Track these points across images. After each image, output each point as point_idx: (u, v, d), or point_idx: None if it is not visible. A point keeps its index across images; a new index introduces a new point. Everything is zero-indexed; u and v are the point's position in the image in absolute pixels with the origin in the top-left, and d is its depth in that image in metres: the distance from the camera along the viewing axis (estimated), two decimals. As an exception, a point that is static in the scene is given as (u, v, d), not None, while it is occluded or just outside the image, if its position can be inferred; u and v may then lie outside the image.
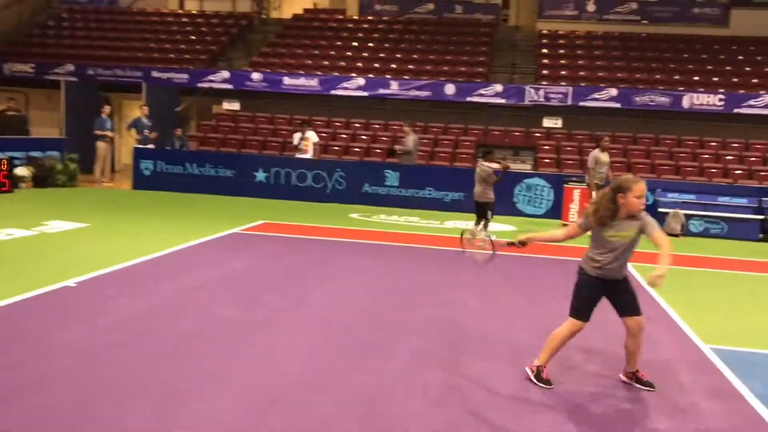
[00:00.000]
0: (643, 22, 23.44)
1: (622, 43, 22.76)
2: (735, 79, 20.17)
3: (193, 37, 23.50)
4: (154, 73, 20.64)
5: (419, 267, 9.09)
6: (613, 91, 19.25)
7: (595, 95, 19.32)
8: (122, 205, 13.89)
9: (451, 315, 6.73)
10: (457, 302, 7.25)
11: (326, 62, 21.86)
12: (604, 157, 13.68)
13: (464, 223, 13.85)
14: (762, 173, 16.93)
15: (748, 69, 20.84)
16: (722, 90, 19.31)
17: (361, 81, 20.11)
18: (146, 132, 17.65)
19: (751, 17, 22.88)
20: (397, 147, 16.49)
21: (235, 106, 20.61)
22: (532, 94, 19.51)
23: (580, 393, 4.81)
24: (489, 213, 11.00)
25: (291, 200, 16.03)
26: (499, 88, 19.63)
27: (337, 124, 19.69)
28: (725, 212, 14.05)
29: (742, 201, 14.24)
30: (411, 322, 6.36)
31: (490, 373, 5.07)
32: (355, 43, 23.02)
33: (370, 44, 22.99)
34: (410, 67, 21.47)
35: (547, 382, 4.83)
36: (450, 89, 19.73)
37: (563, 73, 20.89)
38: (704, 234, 13.99)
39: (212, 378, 4.68)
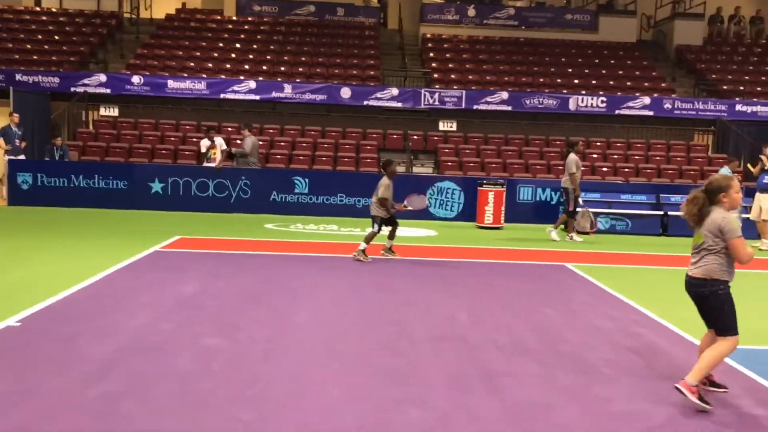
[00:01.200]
0: (521, 27, 24.28)
1: (502, 47, 23.46)
2: (611, 82, 21.33)
3: (57, 38, 21.54)
4: (19, 77, 18.69)
5: (381, 278, 8.62)
6: (504, 95, 19.74)
7: (488, 98, 19.72)
8: (7, 224, 12.29)
9: (452, 326, 6.35)
10: (448, 312, 6.88)
11: (210, 64, 20.80)
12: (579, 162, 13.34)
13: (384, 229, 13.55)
14: (648, 170, 17.96)
15: (621, 72, 22.12)
16: (602, 92, 20.36)
17: (252, 84, 19.29)
18: (17, 142, 15.84)
19: (616, 24, 24.39)
20: (234, 149, 15.70)
21: (114, 111, 19.06)
22: (428, 98, 19.57)
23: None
24: (376, 225, 10.10)
25: (192, 212, 14.99)
26: (395, 91, 19.55)
27: (229, 129, 18.69)
28: (629, 209, 14.69)
29: (642, 198, 14.97)
30: (419, 338, 5.91)
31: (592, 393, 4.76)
32: (238, 45, 22.12)
33: (255, 46, 22.19)
34: (300, 69, 20.92)
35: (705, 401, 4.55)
36: (346, 93, 19.37)
37: (453, 76, 21.15)
38: (611, 231, 14.56)
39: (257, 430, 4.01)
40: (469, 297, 7.77)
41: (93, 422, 3.97)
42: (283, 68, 20.92)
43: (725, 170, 16.73)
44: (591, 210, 14.27)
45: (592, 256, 11.20)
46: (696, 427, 4.28)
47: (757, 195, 13.13)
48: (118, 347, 5.38)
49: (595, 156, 18.58)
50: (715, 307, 4.60)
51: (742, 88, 21.46)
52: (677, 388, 4.54)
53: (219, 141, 15.51)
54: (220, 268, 8.84)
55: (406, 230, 13.57)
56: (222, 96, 19.34)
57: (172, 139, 17.97)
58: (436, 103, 19.60)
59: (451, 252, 11.26)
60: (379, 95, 19.50)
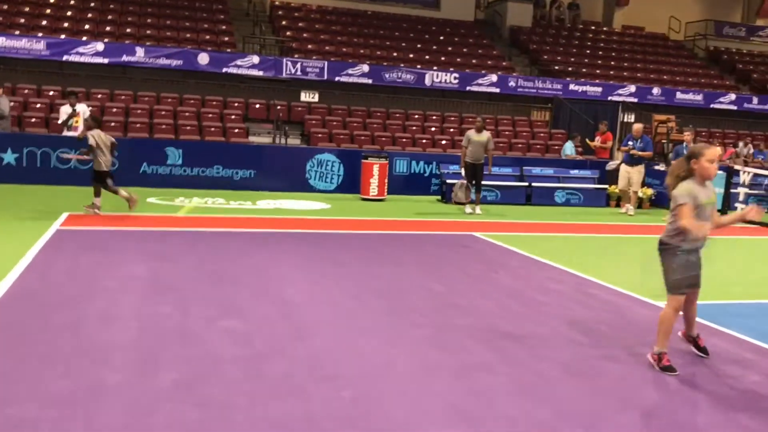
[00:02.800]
0: (370, 1, 24.56)
1: (353, 19, 23.63)
2: (458, 59, 22.38)
3: None
4: None
5: (321, 251, 8.55)
6: (365, 68, 19.99)
7: (349, 71, 19.83)
8: None
9: (447, 293, 6.55)
10: (420, 283, 7.06)
11: (44, 22, 18.82)
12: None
13: (282, 202, 13.35)
14: (501, 144, 19.18)
15: (465, 50, 23.27)
16: (452, 69, 21.30)
17: (99, 46, 17.81)
18: None
19: (456, 2, 25.51)
20: None
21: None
22: (290, 68, 19.30)
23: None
24: None
25: (53, 185, 13.62)
26: (256, 59, 19.03)
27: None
28: (498, 181, 15.68)
29: (508, 170, 16.04)
30: (423, 307, 6.05)
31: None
32: (73, 1, 20.17)
33: (93, 3, 20.35)
34: (148, 32, 19.60)
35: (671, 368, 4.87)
36: (204, 59, 18.55)
37: (310, 47, 21.00)
38: (483, 201, 15.43)
39: None
40: (421, 267, 8.00)
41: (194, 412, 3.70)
42: (128, 30, 19.46)
43: (569, 145, 18.47)
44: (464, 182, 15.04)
45: (491, 225, 11.89)
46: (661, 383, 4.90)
47: (624, 167, 14.52)
48: (140, 334, 4.95)
49: (452, 130, 19.47)
50: (662, 266, 5.04)
51: (570, 69, 23.52)
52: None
53: (82, 108, 14.17)
54: (154, 246, 8.26)
55: (297, 203, 13.46)
56: (65, 58, 17.61)
57: (11, 104, 16.05)
58: (299, 73, 19.37)
59: (359, 224, 11.38)
60: (239, 62, 18.85)
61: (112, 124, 16.01)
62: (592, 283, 7.64)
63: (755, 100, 24.03)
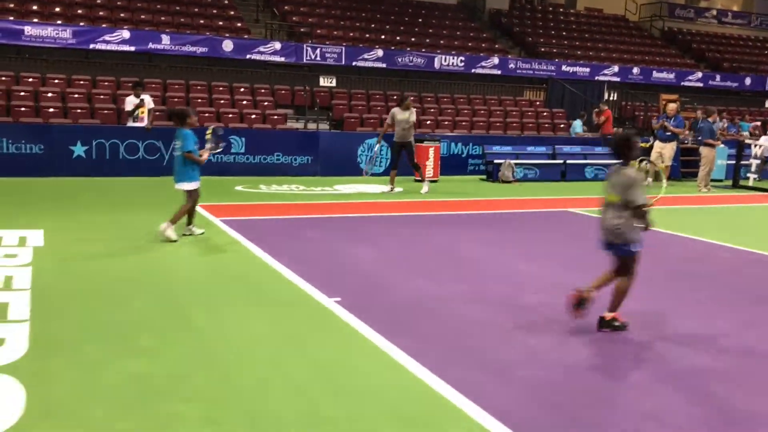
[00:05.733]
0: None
1: (348, 3, 24.00)
2: (441, 41, 23.15)
3: None
4: None
5: (470, 232, 9.35)
6: (380, 52, 20.56)
7: (365, 55, 20.37)
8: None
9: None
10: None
11: (57, 9, 18.37)
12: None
13: (353, 186, 13.91)
14: (514, 124, 20.30)
15: (449, 33, 24.09)
16: (455, 52, 22.15)
17: (126, 34, 17.64)
18: None
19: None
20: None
21: (-47, 61, 16.08)
22: (310, 53, 19.64)
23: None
24: None
25: (124, 177, 13.66)
26: (278, 46, 19.25)
27: (105, 83, 16.88)
28: (535, 160, 16.78)
29: (542, 149, 17.16)
30: (670, 274, 6.99)
31: None
32: None
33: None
34: (162, 18, 19.42)
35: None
36: (228, 46, 18.68)
37: (320, 32, 21.33)
38: (524, 179, 16.50)
39: None
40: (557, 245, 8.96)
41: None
42: (143, 16, 19.22)
43: (577, 123, 19.77)
44: (512, 161, 16.08)
45: (572, 202, 12.94)
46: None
47: (657, 143, 15.86)
48: (495, 312, 5.67)
49: (465, 112, 20.39)
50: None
51: (555, 50, 24.86)
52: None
53: (147, 99, 14.16)
54: (334, 232, 8.83)
55: (366, 186, 14.01)
56: (91, 47, 17.31)
57: (50, 95, 15.75)
58: (318, 58, 19.74)
59: (462, 205, 12.19)
60: (262, 48, 19.04)
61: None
62: (745, 251, 8.82)
63: (718, 77, 26.18)
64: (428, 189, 13.53)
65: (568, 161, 16.99)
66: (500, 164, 15.97)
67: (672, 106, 15.87)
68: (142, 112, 14.04)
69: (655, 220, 5.33)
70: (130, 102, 13.98)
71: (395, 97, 20.09)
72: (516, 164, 16.37)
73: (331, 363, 4.49)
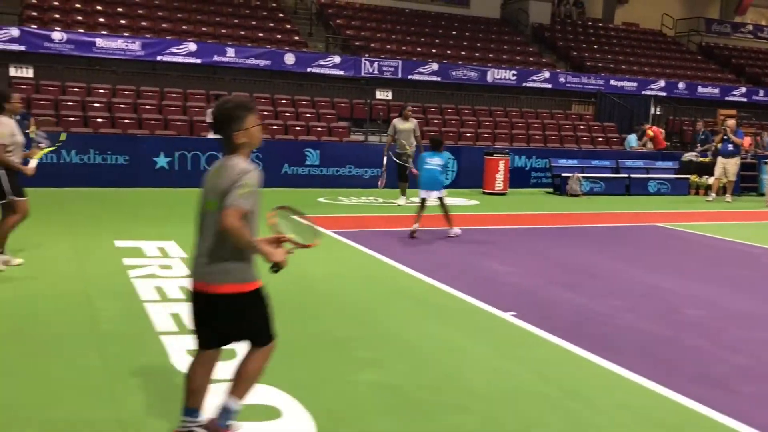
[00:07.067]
0: (405, -2, 25.18)
1: (396, 17, 24.22)
2: (491, 56, 23.34)
3: None
4: None
5: (616, 248, 9.47)
6: (435, 66, 20.72)
7: (421, 69, 20.54)
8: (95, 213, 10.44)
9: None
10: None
11: (122, 21, 18.61)
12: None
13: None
14: (569, 138, 20.41)
15: (506, 47, 24.26)
16: (504, 66, 22.30)
17: (192, 46, 17.82)
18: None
19: (484, 1, 26.49)
20: None
21: (28, 72, 16.27)
22: (368, 67, 19.81)
23: None
24: None
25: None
26: (337, 59, 19.44)
27: (174, 95, 17.08)
28: (600, 173, 16.88)
29: (606, 163, 17.26)
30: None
31: None
32: (157, 1, 19.98)
33: (157, 1, 20.16)
34: (223, 31, 19.61)
35: None
36: (290, 59, 18.86)
37: (374, 45, 21.51)
38: (590, 192, 16.59)
39: None
40: (673, 258, 9.04)
41: None
42: (205, 29, 19.43)
43: (632, 137, 19.87)
44: (579, 175, 16.19)
45: (655, 216, 13.01)
46: None
47: (720, 159, 15.98)
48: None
49: (520, 124, 20.52)
50: None
51: (600, 64, 25.00)
52: None
53: (227, 111, 14.30)
54: (455, 245, 8.95)
55: (449, 200, 14.11)
56: (158, 58, 17.53)
57: (122, 106, 15.94)
58: (375, 71, 19.91)
59: (552, 218, 12.29)
60: (322, 62, 19.23)
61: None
62: None
63: (761, 92, 26.27)
64: (403, 203, 12.93)
65: (633, 175, 17.07)
66: (568, 177, 16.07)
67: (731, 122, 16.00)
68: (222, 124, 14.15)
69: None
70: (211, 114, 14.11)
71: (450, 110, 20.38)
72: (584, 178, 16.46)
73: (559, 377, 4.59)
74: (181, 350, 4.70)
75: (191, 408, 3.36)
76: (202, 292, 3.26)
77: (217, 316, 3.26)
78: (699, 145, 18.63)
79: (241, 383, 3.35)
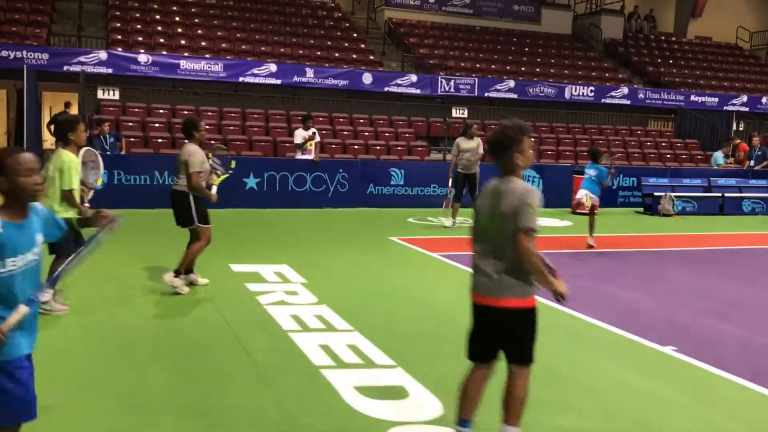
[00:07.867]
0: (474, 15, 24.96)
1: (465, 34, 23.98)
2: (565, 71, 22.83)
3: None
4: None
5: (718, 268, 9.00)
6: (511, 83, 20.40)
7: (497, 86, 20.24)
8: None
9: None
10: None
11: (203, 43, 18.80)
12: None
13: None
14: (651, 155, 19.81)
15: (581, 63, 23.80)
16: (581, 82, 21.83)
17: (273, 68, 17.89)
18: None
19: (555, 16, 26.10)
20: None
21: (114, 95, 16.52)
22: (444, 85, 19.62)
23: None
24: None
25: (291, 208, 13.73)
26: (414, 78, 19.29)
27: (255, 115, 17.15)
28: (692, 192, 16.27)
29: (697, 182, 16.64)
30: None
31: None
32: (235, 24, 20.20)
33: (234, 23, 20.35)
34: (282, 50, 19.52)
35: None
36: (368, 78, 18.76)
37: (450, 63, 21.30)
38: (682, 212, 15.99)
39: None
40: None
41: None
42: (283, 49, 19.51)
43: (719, 154, 19.14)
44: (672, 194, 15.62)
45: (758, 238, 12.42)
46: None
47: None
48: None
49: (601, 141, 20.01)
50: None
51: (677, 80, 24.32)
52: None
53: (315, 131, 14.27)
54: (577, 271, 8.59)
55: (546, 220, 13.75)
56: (240, 80, 17.64)
57: (208, 127, 15.99)
58: (452, 90, 19.71)
59: (658, 241, 11.82)
60: (399, 81, 19.11)
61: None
62: None
63: None
64: (450, 224, 12.28)
65: (727, 194, 16.40)
66: (659, 197, 15.53)
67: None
68: (311, 145, 14.13)
69: None
70: (300, 135, 14.07)
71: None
72: (677, 197, 15.89)
73: (754, 419, 4.21)
74: (348, 387, 4.48)
75: (465, 420, 3.54)
76: (488, 306, 3.44)
77: (500, 329, 3.46)
78: (753, 162, 17.98)
79: (512, 409, 3.49)
